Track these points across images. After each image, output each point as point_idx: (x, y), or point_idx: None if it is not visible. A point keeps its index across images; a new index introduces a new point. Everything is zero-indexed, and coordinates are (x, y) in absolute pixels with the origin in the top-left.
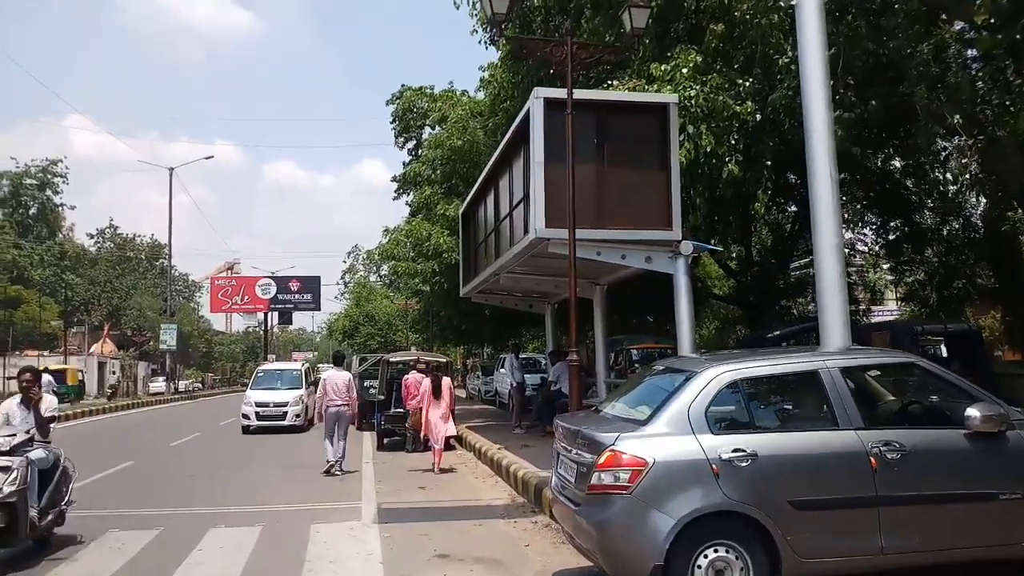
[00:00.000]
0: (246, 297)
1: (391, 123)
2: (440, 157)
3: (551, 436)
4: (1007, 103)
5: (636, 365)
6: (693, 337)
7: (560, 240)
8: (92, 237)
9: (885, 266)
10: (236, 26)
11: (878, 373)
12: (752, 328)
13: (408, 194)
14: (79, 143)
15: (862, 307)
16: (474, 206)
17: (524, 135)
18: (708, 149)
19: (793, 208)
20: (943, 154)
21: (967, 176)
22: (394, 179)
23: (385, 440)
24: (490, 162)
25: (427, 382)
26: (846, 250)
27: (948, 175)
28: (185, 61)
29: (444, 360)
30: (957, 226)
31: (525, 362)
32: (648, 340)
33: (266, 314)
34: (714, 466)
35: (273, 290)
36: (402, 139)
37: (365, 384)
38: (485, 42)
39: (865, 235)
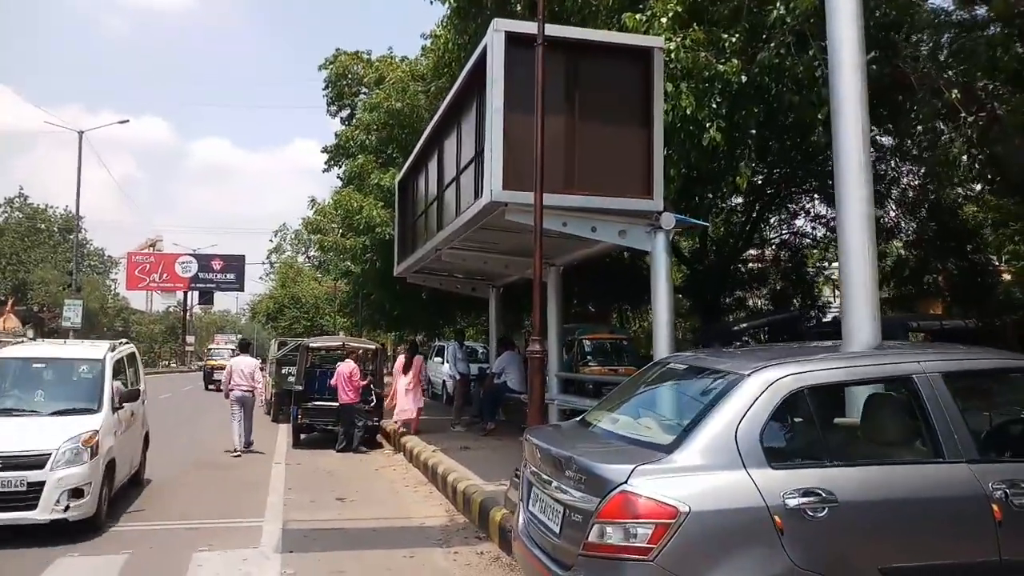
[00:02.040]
0: (165, 275)
1: (323, 89)
2: (376, 121)
3: (492, 435)
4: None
5: (588, 358)
6: (672, 329)
7: (521, 206)
8: None
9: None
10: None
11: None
12: (707, 321)
13: (340, 166)
14: None
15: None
16: (413, 174)
17: (478, 81)
18: (688, 111)
19: (738, 200)
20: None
21: (965, 158)
22: (325, 150)
23: (302, 436)
24: (434, 119)
25: (400, 359)
26: (799, 238)
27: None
28: (114, 35)
29: (373, 347)
30: (924, 216)
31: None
32: (602, 330)
33: (186, 293)
34: (777, 517)
35: (194, 268)
36: (335, 107)
37: (283, 372)
38: None
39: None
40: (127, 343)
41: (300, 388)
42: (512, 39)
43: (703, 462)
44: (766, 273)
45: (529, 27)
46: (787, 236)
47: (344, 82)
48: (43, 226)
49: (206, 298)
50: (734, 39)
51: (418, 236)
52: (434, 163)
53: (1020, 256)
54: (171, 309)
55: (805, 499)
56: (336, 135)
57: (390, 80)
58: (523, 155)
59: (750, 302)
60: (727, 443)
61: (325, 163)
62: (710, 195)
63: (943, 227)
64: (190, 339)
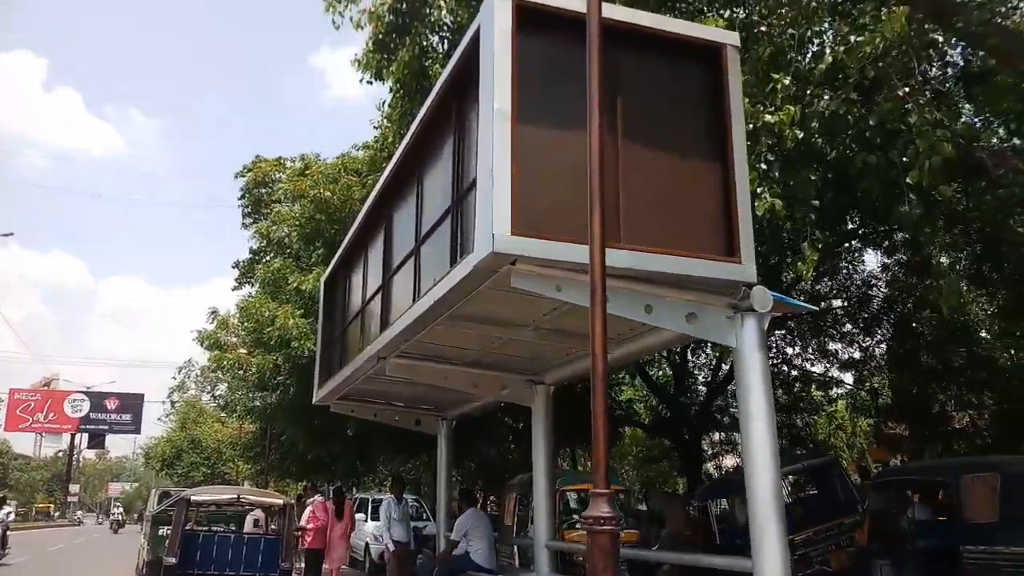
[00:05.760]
0: (52, 415)
1: (239, 199)
2: (300, 215)
3: None
4: None
5: (574, 515)
6: (778, 475)
7: (538, 263)
8: None
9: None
10: (87, 140)
11: None
12: (690, 467)
13: (252, 283)
14: None
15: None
16: (346, 267)
17: (460, 91)
18: None
19: None
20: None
21: None
22: (236, 265)
23: None
24: (380, 183)
25: (330, 504)
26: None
27: None
28: (29, 171)
29: (280, 502)
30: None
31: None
32: (590, 479)
33: (73, 435)
34: None
35: (85, 408)
36: (251, 218)
37: (160, 533)
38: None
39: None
40: None
41: (173, 561)
42: (524, 14)
43: None
44: None
45: None
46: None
47: (263, 190)
48: None
49: (96, 441)
50: (787, 81)
51: (349, 348)
52: (378, 244)
53: None
54: (59, 454)
55: None
56: (250, 240)
57: (318, 168)
58: (541, 188)
59: (740, 447)
60: None
61: (236, 280)
62: None
63: (972, 356)
64: (74, 488)
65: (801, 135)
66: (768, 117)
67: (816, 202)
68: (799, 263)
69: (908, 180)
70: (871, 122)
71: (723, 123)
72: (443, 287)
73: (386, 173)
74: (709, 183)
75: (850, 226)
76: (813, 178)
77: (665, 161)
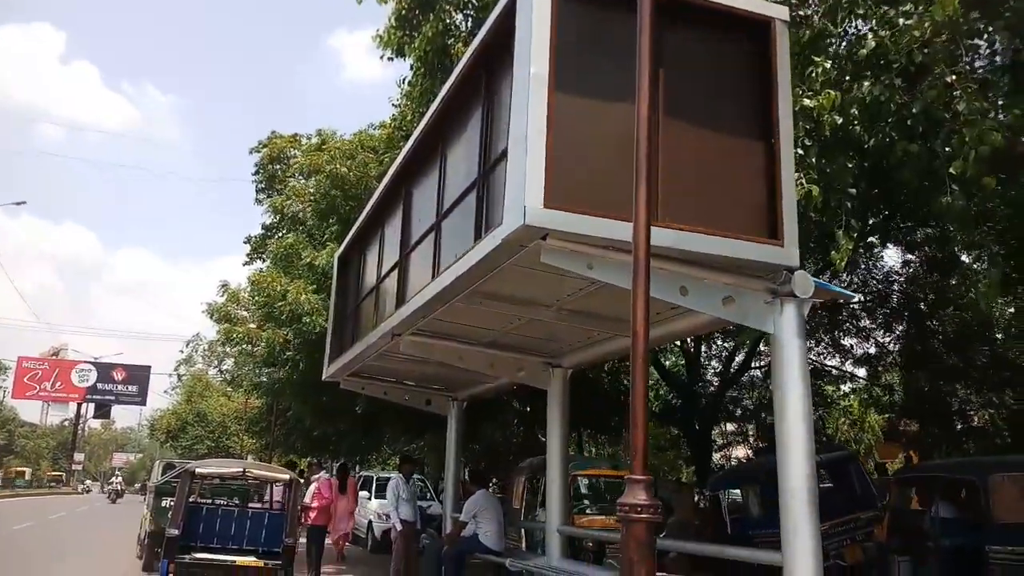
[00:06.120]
0: (59, 383)
1: (253, 175)
2: (316, 190)
3: None
4: None
5: (585, 503)
6: (813, 463)
7: (570, 237)
8: None
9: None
10: (103, 113)
11: None
12: (699, 456)
13: (264, 259)
14: None
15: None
16: (360, 243)
17: (491, 59)
18: None
19: None
20: None
21: None
22: (247, 240)
23: None
24: (399, 159)
25: (334, 480)
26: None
27: None
28: (44, 141)
29: (286, 477)
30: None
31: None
32: (601, 464)
33: (79, 405)
34: None
35: (92, 378)
36: (264, 195)
37: (164, 504)
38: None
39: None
40: None
41: (176, 533)
42: None
43: None
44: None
45: None
46: None
47: (278, 167)
48: None
49: (102, 411)
50: (828, 65)
51: (362, 325)
52: (395, 221)
53: None
54: (66, 423)
55: None
56: (263, 215)
57: (334, 144)
58: (575, 160)
59: (752, 438)
60: None
61: (247, 255)
62: None
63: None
64: (79, 457)
65: (840, 121)
66: (807, 101)
67: (853, 190)
68: (832, 252)
69: (951, 171)
70: (914, 109)
71: (769, 101)
72: (467, 262)
73: (406, 148)
74: (752, 162)
75: (874, 220)
76: (850, 166)
77: (707, 138)
